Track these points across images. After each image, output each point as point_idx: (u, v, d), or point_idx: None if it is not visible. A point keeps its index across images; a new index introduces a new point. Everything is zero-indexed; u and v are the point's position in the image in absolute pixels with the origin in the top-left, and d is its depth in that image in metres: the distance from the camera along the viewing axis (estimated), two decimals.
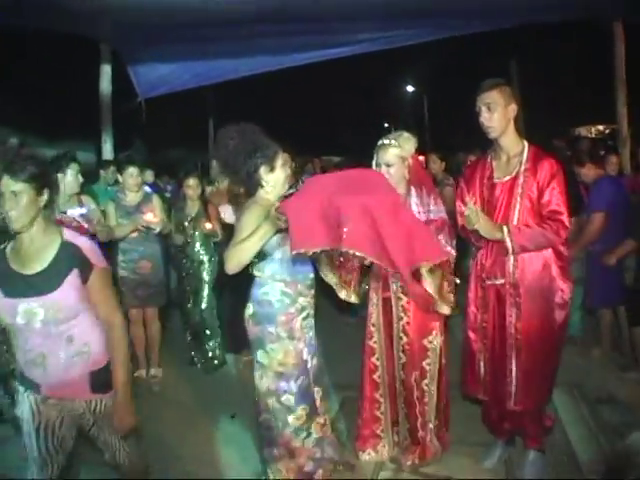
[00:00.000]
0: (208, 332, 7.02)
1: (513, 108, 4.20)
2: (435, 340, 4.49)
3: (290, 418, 4.07)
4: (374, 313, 4.62)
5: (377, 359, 4.64)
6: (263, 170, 3.99)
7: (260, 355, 4.08)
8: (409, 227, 3.75)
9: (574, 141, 12.31)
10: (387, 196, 3.77)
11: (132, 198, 6.51)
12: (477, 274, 4.42)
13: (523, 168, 4.18)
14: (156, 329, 6.76)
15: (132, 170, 6.43)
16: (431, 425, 4.57)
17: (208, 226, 6.75)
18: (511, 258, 4.19)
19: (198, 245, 6.93)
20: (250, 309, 4.12)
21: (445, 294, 4.31)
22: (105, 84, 9.02)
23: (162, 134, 17.28)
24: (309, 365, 4.16)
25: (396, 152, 4.36)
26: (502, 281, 4.25)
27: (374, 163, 4.46)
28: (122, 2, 6.77)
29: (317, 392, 4.23)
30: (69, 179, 5.67)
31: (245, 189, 4.24)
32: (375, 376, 4.66)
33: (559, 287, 4.21)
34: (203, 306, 6.96)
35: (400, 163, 4.37)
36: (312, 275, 4.22)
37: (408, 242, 3.69)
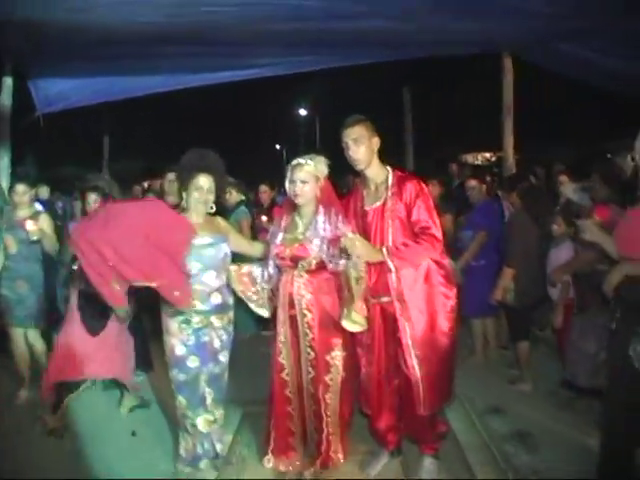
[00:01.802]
0: None
1: (376, 141, 4.56)
2: (337, 356, 4.70)
3: (176, 402, 4.79)
4: (282, 330, 4.77)
5: (287, 374, 4.80)
6: (182, 189, 4.75)
7: None
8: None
9: (462, 167, 12.85)
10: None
11: (20, 215, 6.34)
12: None
13: (390, 193, 4.50)
14: (39, 351, 6.52)
15: (19, 187, 6.32)
16: (334, 437, 4.80)
17: None
18: (393, 275, 4.41)
19: None
20: None
21: (359, 310, 4.47)
22: (5, 97, 8.88)
23: (56, 150, 16.97)
24: (189, 363, 4.67)
25: (311, 170, 4.61)
26: (388, 299, 4.50)
27: (287, 181, 4.68)
28: (25, 17, 6.69)
29: (209, 393, 4.79)
30: None
31: None
32: (287, 391, 4.82)
33: (444, 294, 4.49)
34: None
35: (314, 182, 4.62)
36: (195, 287, 4.60)
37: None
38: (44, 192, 10.15)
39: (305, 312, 4.67)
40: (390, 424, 4.81)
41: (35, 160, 15.48)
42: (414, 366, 4.44)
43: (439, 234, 4.42)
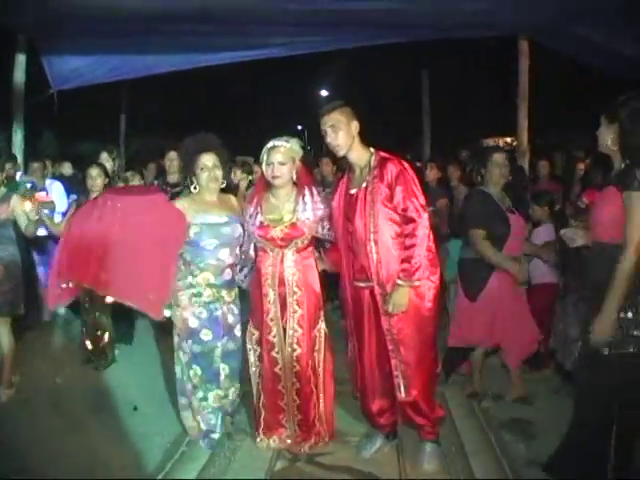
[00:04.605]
0: (100, 331, 6.82)
1: (355, 125, 4.57)
2: (321, 328, 4.92)
3: (190, 372, 4.88)
4: (272, 308, 4.84)
5: (277, 352, 4.86)
6: (191, 173, 4.99)
7: None
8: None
9: (478, 151, 12.70)
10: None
11: None
12: (347, 277, 4.74)
13: (371, 176, 4.48)
14: (8, 344, 5.97)
15: None
16: (324, 410, 4.94)
17: None
18: (374, 260, 4.45)
19: None
20: None
21: None
22: (19, 74, 8.96)
23: (74, 127, 16.98)
24: (203, 336, 4.85)
25: (288, 152, 4.73)
26: (371, 283, 4.52)
27: (264, 163, 4.77)
28: None
29: (222, 368, 4.93)
30: None
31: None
32: (277, 369, 4.88)
33: (427, 278, 4.46)
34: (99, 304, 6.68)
35: (291, 163, 4.74)
36: (211, 262, 4.81)
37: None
38: (67, 168, 10.15)
39: (295, 289, 4.80)
40: (382, 407, 4.83)
41: (52, 136, 15.66)
42: (393, 350, 4.49)
43: (417, 214, 4.36)
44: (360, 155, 4.60)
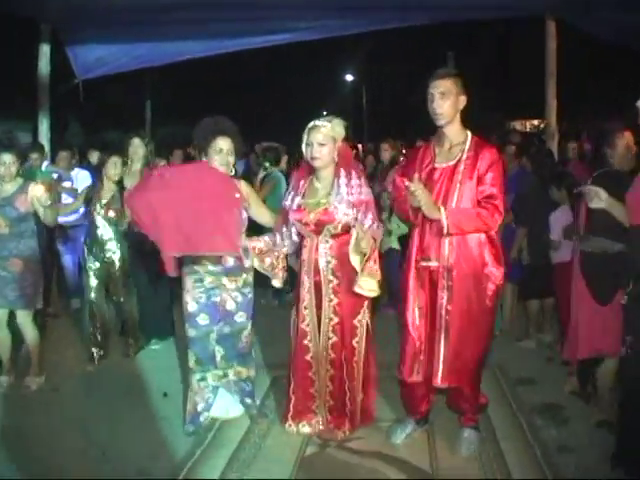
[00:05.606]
0: (126, 322, 6.94)
1: (463, 99, 4.36)
2: (363, 319, 4.75)
3: (188, 355, 5.04)
4: (307, 296, 4.76)
5: (309, 340, 4.80)
6: (203, 155, 4.87)
7: None
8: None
9: (506, 134, 12.60)
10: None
11: (8, 190, 5.84)
12: (412, 255, 4.56)
13: (465, 156, 4.32)
14: (32, 336, 6.04)
15: (5, 157, 5.75)
16: (359, 399, 4.83)
17: (111, 214, 6.51)
18: (446, 242, 4.31)
19: (109, 231, 6.62)
20: None
21: (372, 271, 4.48)
22: (43, 64, 8.99)
23: (99, 116, 17.02)
24: (200, 320, 4.92)
25: (328, 132, 4.55)
26: (436, 264, 4.38)
27: (304, 143, 4.63)
28: None
29: (217, 350, 5.01)
30: None
31: None
32: (308, 357, 4.82)
33: (491, 272, 4.36)
34: (119, 294, 6.81)
35: (331, 143, 4.56)
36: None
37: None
38: (94, 157, 10.14)
39: (331, 277, 4.67)
40: (425, 393, 4.75)
41: (78, 125, 15.71)
42: (441, 337, 4.39)
43: (502, 207, 4.28)
44: (457, 131, 4.42)
